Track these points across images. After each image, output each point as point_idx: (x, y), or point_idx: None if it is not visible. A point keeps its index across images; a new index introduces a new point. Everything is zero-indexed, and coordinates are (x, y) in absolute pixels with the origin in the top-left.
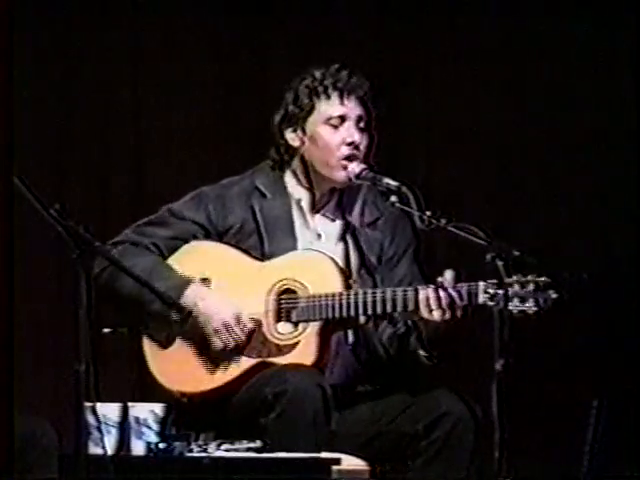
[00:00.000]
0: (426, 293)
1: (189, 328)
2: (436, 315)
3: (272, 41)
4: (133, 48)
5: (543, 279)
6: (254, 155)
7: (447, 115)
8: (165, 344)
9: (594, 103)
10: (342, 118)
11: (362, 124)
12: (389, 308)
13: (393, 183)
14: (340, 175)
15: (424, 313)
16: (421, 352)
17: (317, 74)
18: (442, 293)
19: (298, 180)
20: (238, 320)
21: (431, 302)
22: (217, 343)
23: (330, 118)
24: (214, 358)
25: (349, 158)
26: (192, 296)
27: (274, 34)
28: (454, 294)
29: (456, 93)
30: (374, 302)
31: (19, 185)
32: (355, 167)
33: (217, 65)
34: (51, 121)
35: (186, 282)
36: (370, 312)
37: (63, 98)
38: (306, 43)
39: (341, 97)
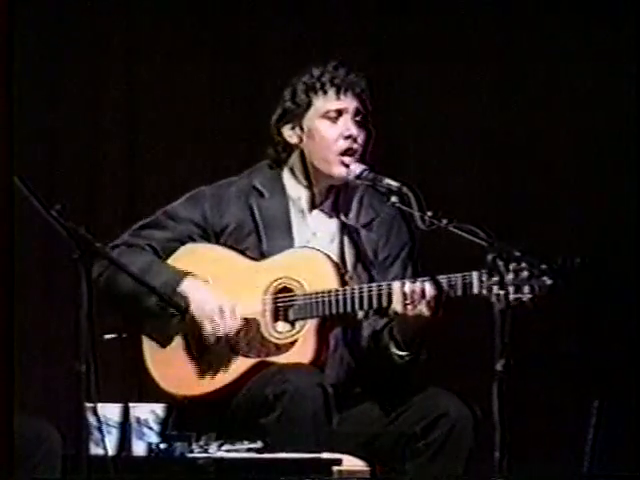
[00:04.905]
0: (401, 287)
1: (187, 323)
2: (415, 310)
3: (269, 41)
4: (129, 49)
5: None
6: (249, 156)
7: (447, 114)
8: (164, 342)
9: (594, 101)
10: (339, 112)
11: (359, 118)
12: (384, 302)
13: (394, 184)
14: (339, 171)
15: (398, 308)
16: (394, 350)
17: (315, 72)
18: (418, 287)
19: (296, 179)
20: (233, 310)
21: (407, 296)
22: (210, 331)
23: (327, 112)
24: (214, 360)
25: (347, 152)
26: (187, 289)
27: (271, 34)
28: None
29: (456, 92)
30: (370, 297)
31: (19, 185)
32: (356, 168)
33: (213, 65)
34: (51, 121)
35: (181, 276)
36: (366, 307)
37: (63, 98)
38: (303, 42)
39: (338, 93)
